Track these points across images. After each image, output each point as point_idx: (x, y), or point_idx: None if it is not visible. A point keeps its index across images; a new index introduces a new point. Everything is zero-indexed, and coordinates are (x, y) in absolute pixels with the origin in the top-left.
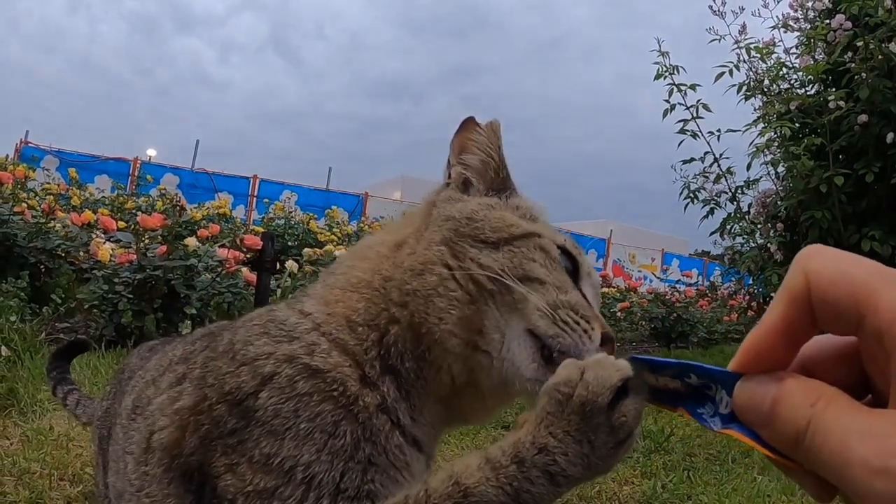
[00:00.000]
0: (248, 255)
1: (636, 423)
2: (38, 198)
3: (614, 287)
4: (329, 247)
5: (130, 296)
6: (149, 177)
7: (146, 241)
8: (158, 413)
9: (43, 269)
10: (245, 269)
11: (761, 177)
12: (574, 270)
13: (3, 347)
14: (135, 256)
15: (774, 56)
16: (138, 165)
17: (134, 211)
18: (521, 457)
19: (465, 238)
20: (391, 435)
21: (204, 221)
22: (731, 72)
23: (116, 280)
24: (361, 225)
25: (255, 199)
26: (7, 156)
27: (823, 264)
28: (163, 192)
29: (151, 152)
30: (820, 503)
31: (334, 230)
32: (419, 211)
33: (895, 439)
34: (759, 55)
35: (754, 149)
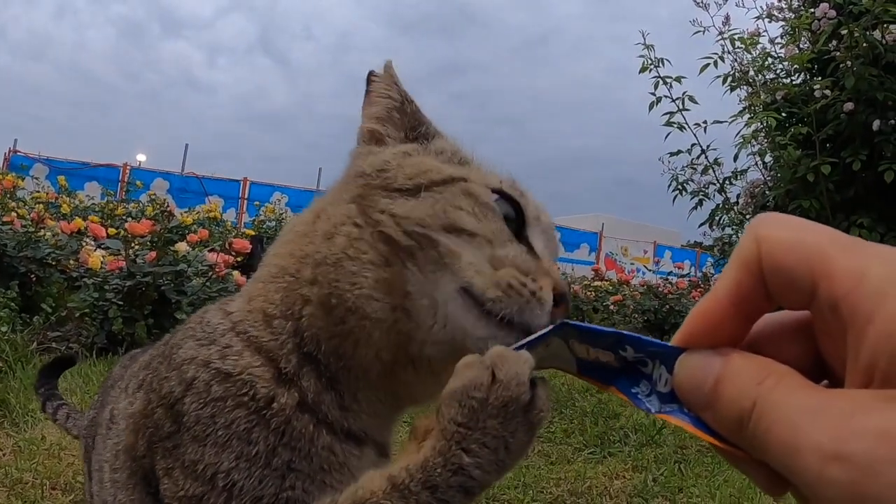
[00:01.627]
0: (237, 259)
1: (549, 412)
2: (27, 206)
3: (607, 280)
4: None
5: (121, 303)
6: (138, 182)
7: (135, 248)
8: (121, 419)
9: (33, 278)
10: (236, 273)
11: (749, 167)
12: (518, 217)
13: None
14: (125, 263)
15: (759, 46)
16: (128, 171)
17: (124, 217)
18: (434, 482)
19: (377, 190)
20: (316, 435)
21: (195, 226)
22: (715, 63)
23: (106, 287)
24: None
25: (245, 201)
26: None
27: (776, 230)
28: (152, 197)
29: (141, 157)
30: (772, 496)
31: None
32: (340, 178)
33: (853, 420)
34: (743, 46)
35: (741, 140)
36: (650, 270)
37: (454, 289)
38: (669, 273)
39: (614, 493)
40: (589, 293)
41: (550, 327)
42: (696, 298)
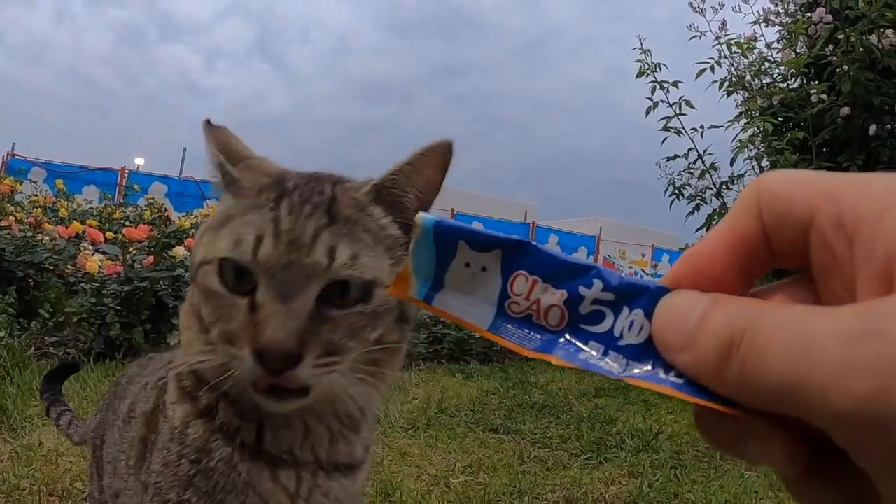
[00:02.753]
0: None
1: None
2: (25, 210)
3: None
4: None
5: (118, 308)
6: (136, 186)
7: (133, 253)
8: (140, 414)
9: (31, 283)
10: None
11: (745, 172)
12: (243, 277)
13: None
14: (122, 268)
15: (756, 51)
16: (126, 175)
17: (122, 221)
18: None
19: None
20: (224, 457)
21: (192, 230)
22: (712, 68)
23: (104, 293)
24: None
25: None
26: None
27: (775, 174)
28: (150, 201)
29: (139, 161)
30: (787, 476)
31: None
32: None
33: (879, 315)
34: (740, 51)
35: (738, 144)
36: (648, 274)
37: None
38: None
39: (610, 499)
40: None
41: (494, 235)
42: None
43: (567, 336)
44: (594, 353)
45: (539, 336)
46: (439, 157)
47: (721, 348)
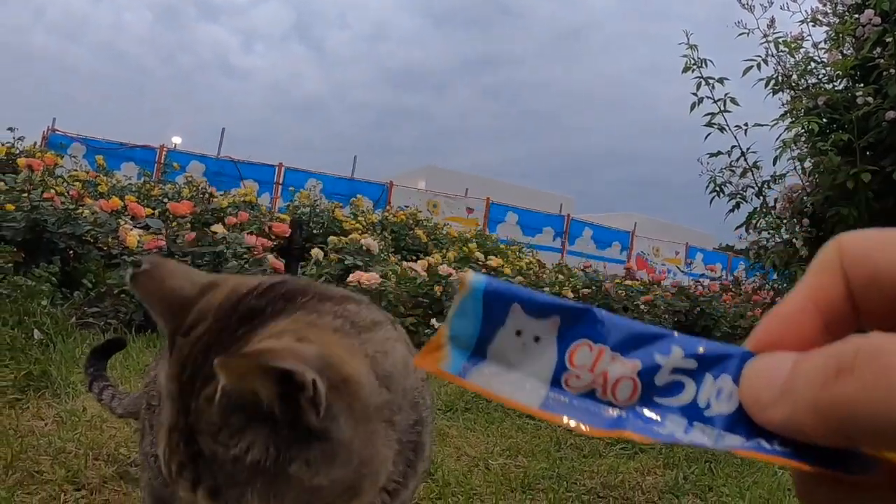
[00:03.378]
0: (275, 243)
1: None
2: (65, 184)
3: (638, 280)
4: (354, 235)
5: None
6: (175, 164)
7: (175, 228)
8: None
9: (72, 255)
10: (270, 257)
11: (788, 172)
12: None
13: (35, 331)
14: (163, 243)
15: (802, 51)
16: (164, 153)
17: (160, 198)
18: None
19: None
20: None
21: (230, 209)
22: (759, 65)
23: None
24: (386, 214)
25: (280, 186)
26: (35, 143)
27: (856, 234)
28: (189, 179)
29: (176, 140)
30: None
31: (359, 218)
32: None
33: None
34: (787, 49)
35: (781, 144)
36: (682, 271)
37: None
38: (701, 275)
39: (647, 487)
40: (620, 292)
41: (553, 301)
42: (728, 302)
43: (641, 410)
44: (677, 426)
45: (606, 412)
46: None
47: (826, 378)
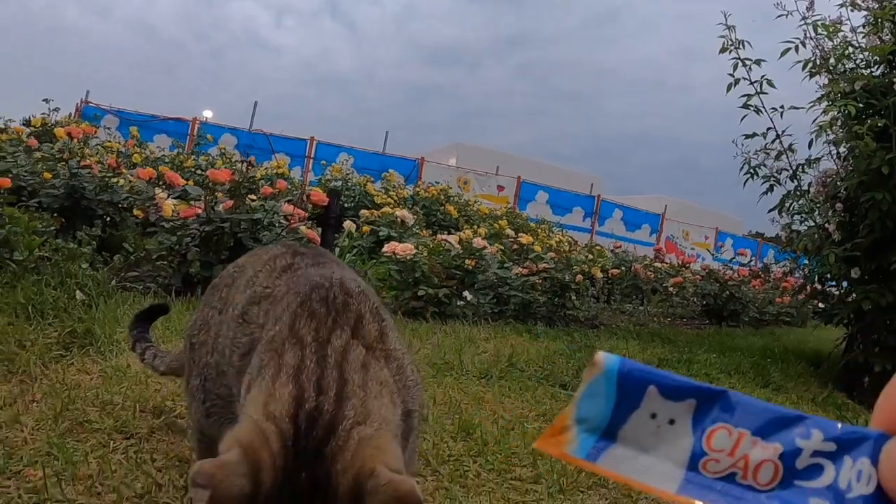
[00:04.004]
0: (311, 212)
1: None
2: (100, 155)
3: (667, 263)
4: (386, 209)
5: (198, 247)
6: (208, 136)
7: (215, 195)
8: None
9: (109, 222)
10: (304, 227)
11: (822, 156)
12: None
13: (77, 292)
14: (199, 210)
15: (840, 35)
16: (197, 125)
17: (193, 169)
18: None
19: None
20: None
21: (262, 181)
22: (796, 48)
23: (183, 232)
24: (417, 189)
25: (311, 160)
26: (70, 114)
27: None
28: (223, 151)
29: (208, 114)
30: None
31: (391, 193)
32: None
33: None
34: (825, 33)
35: (817, 127)
36: (711, 254)
37: None
38: (731, 259)
39: None
40: (649, 273)
41: (689, 383)
42: (757, 287)
43: (782, 493)
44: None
45: (748, 496)
46: None
47: None
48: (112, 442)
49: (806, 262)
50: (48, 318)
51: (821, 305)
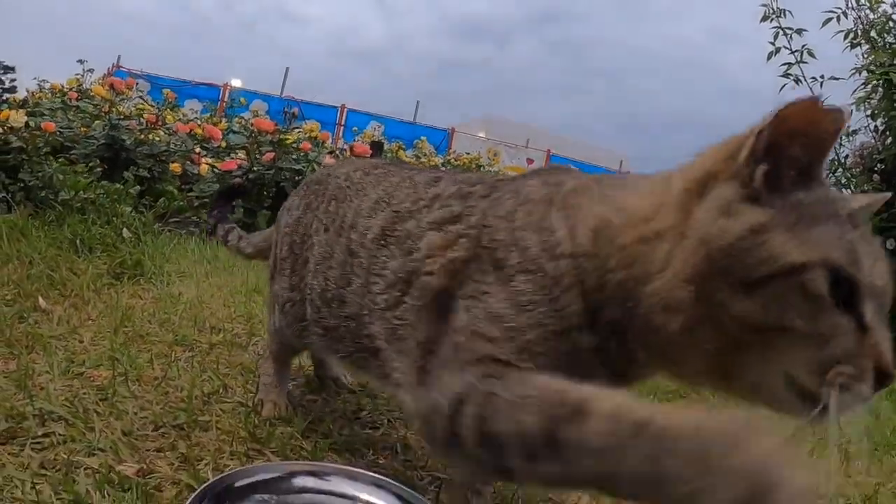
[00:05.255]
0: None
1: None
2: (135, 115)
3: None
4: None
5: (241, 198)
6: (242, 99)
7: (258, 145)
8: (426, 251)
9: (149, 174)
10: None
11: (860, 129)
12: (852, 291)
13: (124, 230)
14: (238, 163)
15: (882, 9)
16: (228, 91)
17: (226, 133)
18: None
19: (717, 277)
20: (587, 356)
21: (294, 145)
22: (838, 18)
23: (227, 179)
24: (448, 158)
25: (342, 128)
26: (103, 76)
27: None
28: (256, 113)
29: (236, 83)
30: None
31: (422, 161)
32: (677, 193)
33: None
34: (867, 4)
35: (855, 100)
36: None
37: (777, 371)
38: None
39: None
40: None
41: None
42: None
43: None
44: None
45: None
46: None
47: None
48: (173, 353)
49: None
50: (96, 252)
51: None
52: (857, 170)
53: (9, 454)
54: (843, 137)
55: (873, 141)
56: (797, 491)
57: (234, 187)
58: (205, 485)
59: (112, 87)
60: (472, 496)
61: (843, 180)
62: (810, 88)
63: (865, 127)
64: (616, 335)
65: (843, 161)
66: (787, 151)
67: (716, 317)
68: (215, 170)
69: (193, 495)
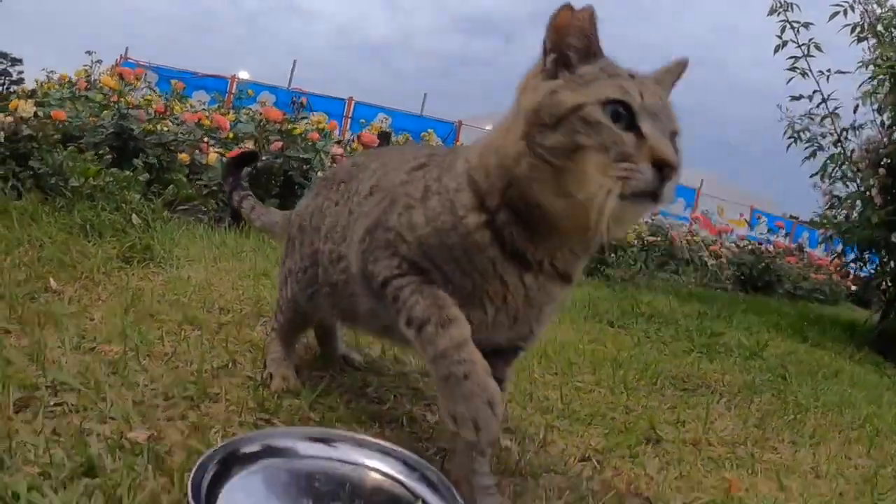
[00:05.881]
0: None
1: None
2: (143, 105)
3: (700, 237)
4: None
5: (249, 183)
6: (250, 91)
7: (266, 134)
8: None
9: (155, 164)
10: None
11: (866, 123)
12: (629, 114)
13: (133, 216)
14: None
15: (889, 3)
16: (235, 83)
17: (234, 123)
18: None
19: (535, 128)
20: (489, 249)
21: (302, 135)
22: (845, 12)
23: None
24: None
25: (349, 120)
26: (111, 67)
27: None
28: (264, 102)
29: (243, 74)
30: None
31: None
32: (517, 94)
33: None
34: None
35: (861, 94)
36: (748, 223)
37: (594, 184)
38: (768, 229)
39: (726, 384)
40: (686, 239)
41: None
42: (792, 263)
43: None
44: None
45: None
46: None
47: None
48: (183, 331)
49: (840, 242)
50: (106, 237)
51: (853, 288)
52: (864, 164)
53: (22, 421)
54: (850, 131)
55: (880, 135)
56: (485, 415)
57: (245, 154)
58: (212, 449)
59: (121, 76)
60: (476, 456)
61: (850, 174)
62: (817, 82)
63: (872, 121)
64: (502, 212)
65: (849, 155)
66: (564, 42)
67: (540, 155)
68: (223, 159)
69: (202, 458)
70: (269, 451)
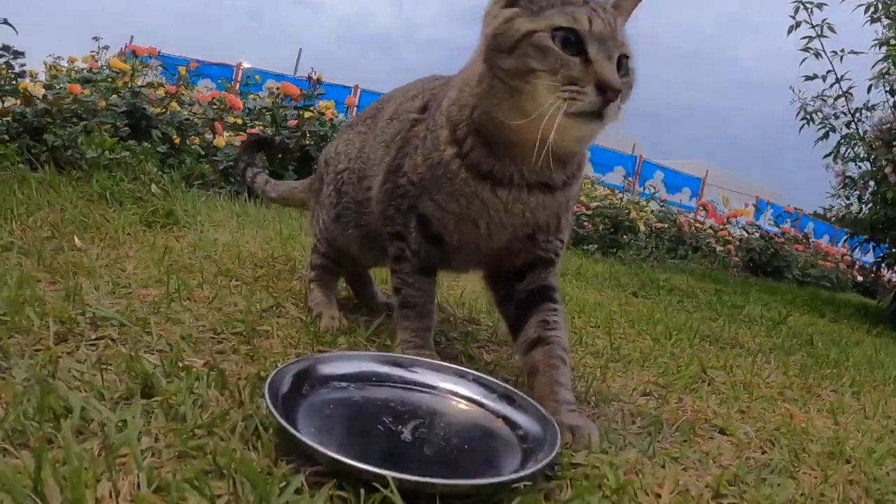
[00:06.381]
0: None
1: None
2: (153, 88)
3: (704, 223)
4: None
5: (267, 157)
6: (257, 77)
7: (283, 110)
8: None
9: (170, 145)
10: None
11: (879, 104)
12: (578, 40)
13: (153, 185)
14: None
15: None
16: (241, 70)
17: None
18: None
19: (494, 52)
20: (463, 174)
21: (309, 122)
22: None
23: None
24: None
25: (356, 108)
26: (119, 52)
27: None
28: (272, 90)
29: (247, 64)
30: None
31: None
32: (482, 21)
33: None
34: None
35: (876, 74)
36: (756, 208)
37: (543, 103)
38: (776, 216)
39: (757, 345)
40: (693, 228)
41: None
42: (799, 250)
43: None
44: None
45: None
46: None
47: None
48: (218, 282)
49: (846, 233)
50: (126, 206)
51: (859, 278)
52: (877, 144)
53: (64, 352)
54: (862, 112)
55: (892, 115)
56: None
57: (262, 139)
58: (284, 365)
59: (134, 52)
60: (559, 365)
61: (862, 154)
62: (830, 62)
63: (884, 102)
64: (470, 138)
65: (862, 135)
66: None
67: (498, 76)
68: (235, 144)
69: (275, 371)
70: (345, 373)
